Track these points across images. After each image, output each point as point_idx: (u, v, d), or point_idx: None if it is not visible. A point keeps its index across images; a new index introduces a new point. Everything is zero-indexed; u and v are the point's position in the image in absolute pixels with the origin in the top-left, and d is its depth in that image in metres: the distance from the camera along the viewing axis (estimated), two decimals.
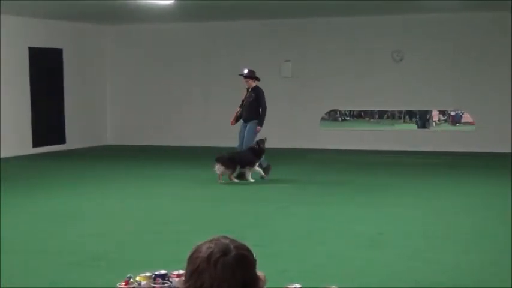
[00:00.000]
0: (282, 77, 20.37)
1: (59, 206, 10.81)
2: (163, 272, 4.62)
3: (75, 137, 20.45)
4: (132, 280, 4.60)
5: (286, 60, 20.27)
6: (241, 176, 13.62)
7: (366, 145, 19.74)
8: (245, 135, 14.14)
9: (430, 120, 20.62)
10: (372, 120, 20.69)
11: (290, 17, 19.75)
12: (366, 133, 20.20)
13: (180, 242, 7.56)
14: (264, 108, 14.13)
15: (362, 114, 20.82)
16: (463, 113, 19.93)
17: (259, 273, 2.56)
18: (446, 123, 21.71)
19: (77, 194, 12.05)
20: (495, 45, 18.83)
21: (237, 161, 13.59)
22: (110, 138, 22.05)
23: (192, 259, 2.45)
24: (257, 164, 13.68)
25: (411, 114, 20.41)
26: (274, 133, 20.38)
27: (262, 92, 14.21)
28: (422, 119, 20.35)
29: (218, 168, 13.30)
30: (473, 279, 6.60)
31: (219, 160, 13.38)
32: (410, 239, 8.39)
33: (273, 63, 20.22)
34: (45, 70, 19.46)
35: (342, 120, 21.01)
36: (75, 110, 20.49)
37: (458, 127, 20.22)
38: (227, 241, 2.45)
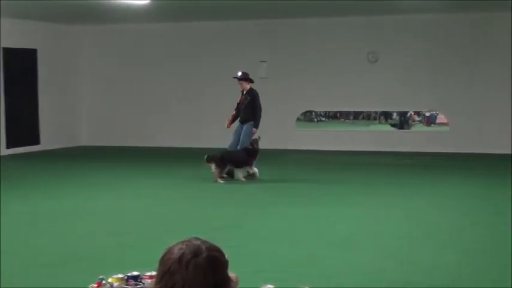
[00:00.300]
0: (258, 78, 20.35)
1: (34, 208, 10.72)
2: (135, 273, 4.61)
3: (50, 137, 20.30)
4: (104, 282, 4.58)
5: (262, 61, 20.27)
6: (231, 175, 13.80)
7: (341, 146, 19.79)
8: (241, 136, 14.26)
9: (410, 121, 20.72)
10: (347, 120, 20.74)
11: (266, 17, 19.77)
12: (341, 134, 20.25)
13: (155, 243, 7.52)
14: (259, 110, 14.27)
15: (337, 115, 20.87)
16: (437, 114, 20.04)
17: (231, 274, 2.56)
18: (421, 124, 21.83)
19: (52, 196, 11.96)
20: (469, 47, 18.96)
21: (227, 161, 13.71)
22: (85, 139, 21.92)
23: (163, 260, 2.45)
24: (254, 164, 13.85)
25: (386, 115, 20.49)
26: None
27: (257, 94, 14.38)
28: (401, 119, 20.44)
29: (212, 167, 13.45)
30: (448, 280, 6.63)
31: (212, 159, 13.51)
32: (385, 239, 8.42)
33: (249, 64, 20.20)
34: (20, 70, 19.30)
35: (317, 121, 21.04)
36: (49, 111, 20.34)
37: (433, 128, 20.32)
38: (198, 242, 2.45)
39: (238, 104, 14.61)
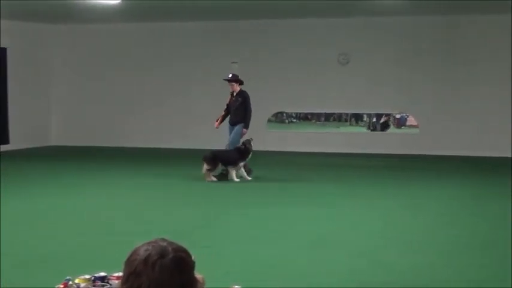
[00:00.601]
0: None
1: (2, 208, 10.59)
2: (102, 274, 4.57)
3: (19, 137, 20.11)
4: (71, 283, 4.53)
5: (233, 62, 20.26)
6: (224, 176, 13.96)
7: (312, 147, 19.84)
8: (231, 136, 14.48)
9: (389, 123, 20.81)
10: (318, 122, 20.81)
11: (238, 18, 19.77)
12: (312, 135, 20.31)
13: (127, 244, 7.45)
14: (249, 112, 14.48)
15: (309, 116, 20.92)
16: (407, 116, 20.17)
17: (198, 275, 2.55)
18: (392, 126, 21.94)
19: (18, 195, 11.82)
20: (439, 49, 19.11)
21: (218, 160, 13.86)
22: (55, 139, 21.76)
23: (129, 261, 2.43)
24: (242, 164, 14.01)
25: (357, 117, 20.59)
26: (221, 134, 20.38)
27: (248, 96, 14.57)
28: (377, 121, 20.55)
29: (204, 167, 13.66)
30: (422, 280, 6.64)
31: (204, 158, 13.75)
32: (358, 240, 8.43)
33: (220, 65, 20.20)
34: None
35: (288, 122, 21.09)
36: (19, 110, 20.15)
37: (403, 130, 20.45)
38: (165, 243, 2.44)
39: (227, 105, 14.72)
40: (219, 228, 9.26)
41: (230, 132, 14.69)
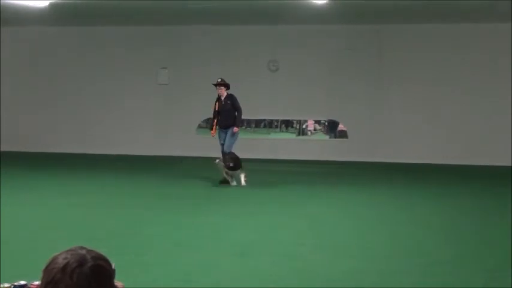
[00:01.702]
0: (158, 84, 20.26)
1: None
2: (22, 282, 4.44)
3: None
4: None
5: (163, 68, 20.17)
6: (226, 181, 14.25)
7: (243, 153, 19.83)
8: (227, 140, 14.68)
9: (306, 129, 20.97)
10: (248, 128, 20.87)
11: (166, 24, 19.68)
12: (242, 141, 20.32)
13: (48, 251, 7.32)
14: (241, 111, 14.82)
15: None
16: (337, 123, 20.41)
17: (118, 283, 2.51)
18: (322, 133, 22.16)
19: None
20: (367, 57, 19.40)
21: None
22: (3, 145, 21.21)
23: (47, 270, 2.39)
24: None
25: (287, 123, 20.73)
26: (149, 140, 20.27)
27: (236, 98, 14.93)
28: (299, 127, 20.72)
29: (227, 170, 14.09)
30: (344, 285, 6.70)
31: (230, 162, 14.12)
32: (285, 247, 8.44)
33: (148, 70, 20.10)
34: None
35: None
36: None
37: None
38: (84, 252, 2.41)
39: (216, 110, 14.93)
40: (141, 235, 9.16)
41: (221, 137, 14.86)
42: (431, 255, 8.00)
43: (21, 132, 21.00)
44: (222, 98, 14.89)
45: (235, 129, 14.75)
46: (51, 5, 15.69)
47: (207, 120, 20.68)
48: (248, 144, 20.25)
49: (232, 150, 14.42)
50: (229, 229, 9.61)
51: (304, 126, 23.24)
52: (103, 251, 2.45)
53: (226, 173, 14.22)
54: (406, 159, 18.87)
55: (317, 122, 22.50)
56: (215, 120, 14.94)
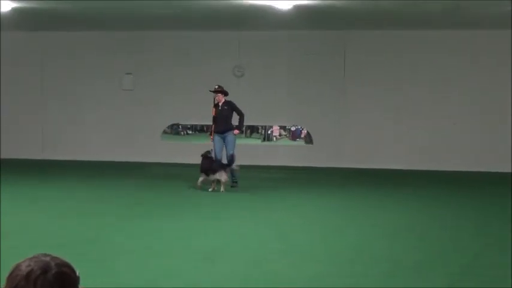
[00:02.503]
0: (122, 90, 20.17)
1: None
2: None
3: None
4: None
5: (128, 73, 20.08)
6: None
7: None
8: (229, 146, 14.81)
9: (271, 135, 21.01)
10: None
11: (132, 29, 19.60)
12: (208, 147, 20.30)
13: (12, 258, 7.24)
14: (243, 115, 15.07)
15: (204, 128, 20.95)
16: (302, 129, 20.47)
17: None
18: (287, 138, 22.25)
19: None
20: (331, 63, 19.50)
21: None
22: None
23: (11, 277, 2.35)
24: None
25: (253, 129, 20.76)
26: (114, 146, 20.15)
27: (235, 103, 15.11)
28: (264, 133, 20.78)
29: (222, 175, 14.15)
30: None
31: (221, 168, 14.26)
32: (248, 251, 8.47)
33: (112, 76, 20.01)
34: None
35: (184, 134, 21.07)
36: None
37: (298, 142, 20.75)
38: (48, 258, 2.37)
39: (214, 117, 15.05)
40: (108, 241, 9.11)
41: (218, 142, 14.96)
42: (396, 259, 8.07)
43: None
44: (220, 104, 15.03)
45: (236, 131, 15.08)
46: (14, 10, 15.53)
47: (171, 126, 20.63)
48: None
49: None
50: (196, 234, 9.60)
51: (269, 132, 23.28)
52: (69, 258, 2.43)
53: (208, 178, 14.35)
54: (371, 164, 18.99)
55: (282, 127, 22.60)
56: (213, 126, 15.16)
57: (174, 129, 20.78)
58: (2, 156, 20.15)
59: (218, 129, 14.99)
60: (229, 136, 14.94)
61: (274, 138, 22.76)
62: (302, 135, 20.89)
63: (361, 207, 12.38)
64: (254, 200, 13.15)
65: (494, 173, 18.10)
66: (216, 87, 15.21)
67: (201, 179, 14.36)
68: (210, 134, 15.40)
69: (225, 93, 15.12)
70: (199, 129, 20.95)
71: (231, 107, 15.09)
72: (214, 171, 14.17)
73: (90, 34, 20.14)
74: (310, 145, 19.99)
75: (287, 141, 21.33)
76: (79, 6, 15.72)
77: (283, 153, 20.22)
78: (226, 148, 14.93)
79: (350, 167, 18.92)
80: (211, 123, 15.36)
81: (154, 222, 10.54)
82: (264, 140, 20.68)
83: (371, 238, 9.50)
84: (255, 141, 20.48)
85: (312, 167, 19.13)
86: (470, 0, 14.44)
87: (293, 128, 22.16)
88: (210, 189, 14.14)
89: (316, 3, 14.73)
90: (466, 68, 18.99)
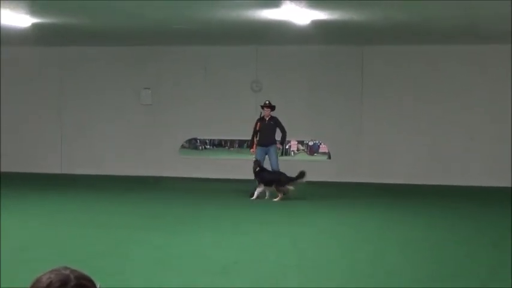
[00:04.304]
0: (141, 104, 20.28)
1: None
2: None
3: None
4: None
5: (146, 88, 20.18)
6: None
7: (225, 174, 19.88)
8: (274, 159, 15.95)
9: (289, 150, 21.00)
10: (232, 148, 20.91)
11: (149, 44, 19.72)
12: (226, 162, 20.36)
13: (33, 271, 7.30)
14: (285, 132, 16.24)
15: (223, 142, 21.00)
16: (320, 143, 20.46)
17: None
18: (305, 153, 22.22)
19: None
20: (349, 78, 19.50)
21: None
22: None
23: None
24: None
25: None
26: (133, 160, 20.24)
27: (279, 120, 16.21)
28: (282, 148, 20.78)
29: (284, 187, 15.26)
30: None
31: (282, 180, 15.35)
32: (264, 267, 8.47)
33: (131, 91, 20.12)
34: None
35: (202, 148, 21.15)
36: None
37: (315, 157, 20.73)
38: (67, 272, 2.41)
39: (257, 130, 16.05)
40: (124, 255, 9.14)
41: (260, 154, 15.89)
42: (412, 274, 8.05)
43: (3, 152, 20.91)
44: (266, 119, 16.01)
45: (279, 146, 16.25)
46: (34, 25, 15.68)
47: (190, 141, 20.70)
48: (231, 165, 20.27)
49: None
50: (212, 248, 9.62)
51: (287, 147, 23.30)
52: (88, 271, 2.48)
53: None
54: (389, 179, 18.95)
55: (300, 142, 22.59)
56: (255, 139, 15.99)
57: (192, 144, 20.83)
58: (20, 170, 20.30)
59: (262, 142, 15.96)
60: (272, 149, 15.95)
61: (292, 152, 22.73)
62: (320, 150, 20.90)
63: (378, 222, 12.36)
64: (267, 214, 13.16)
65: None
66: (267, 102, 16.17)
67: (260, 189, 15.26)
68: (252, 147, 16.20)
69: (273, 109, 16.07)
70: (217, 144, 20.99)
71: (276, 122, 16.08)
72: (282, 183, 15.17)
73: (108, 49, 20.28)
74: (328, 159, 19.97)
75: (305, 156, 21.29)
76: (98, 22, 15.85)
77: (300, 168, 20.19)
78: (270, 160, 15.86)
79: (367, 182, 18.89)
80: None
81: (171, 236, 10.57)
82: (282, 154, 20.68)
83: (387, 253, 9.48)
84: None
85: (329, 181, 19.10)
86: (484, 17, 14.44)
87: (311, 143, 22.14)
88: (275, 199, 15.04)
89: (333, 18, 14.77)
90: (480, 82, 18.93)
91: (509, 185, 18.14)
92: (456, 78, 19.04)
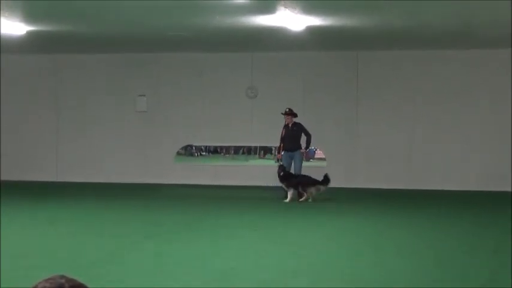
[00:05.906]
0: (136, 111, 20.26)
1: None
2: None
3: None
4: None
5: (141, 95, 20.17)
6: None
7: (221, 180, 19.86)
8: (297, 163, 16.63)
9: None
10: (227, 155, 20.88)
11: (145, 51, 19.72)
12: (221, 168, 20.34)
13: (29, 279, 7.27)
14: (310, 136, 16.79)
15: (218, 149, 20.98)
16: (316, 149, 20.44)
17: None
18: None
19: None
20: (344, 84, 19.52)
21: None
22: None
23: None
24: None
25: (266, 150, 20.75)
26: (127, 168, 20.21)
27: (303, 125, 16.91)
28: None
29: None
30: None
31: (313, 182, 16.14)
32: (262, 273, 8.45)
33: (126, 98, 20.11)
34: None
35: (198, 155, 21.10)
36: None
37: (311, 163, 20.68)
38: (63, 280, 2.41)
39: (282, 137, 16.79)
40: (121, 262, 9.10)
41: (286, 159, 16.63)
42: (413, 278, 8.03)
43: (3, 160, 20.87)
44: (290, 125, 16.70)
45: (303, 151, 16.83)
46: (28, 33, 15.67)
47: (185, 147, 20.67)
48: (227, 171, 20.25)
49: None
50: (210, 255, 9.58)
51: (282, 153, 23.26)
52: (86, 279, 2.46)
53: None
54: (386, 184, 18.95)
55: None
56: (281, 145, 16.73)
57: (188, 151, 20.81)
58: (17, 179, 20.26)
59: (287, 147, 16.69)
60: (297, 154, 16.62)
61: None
62: (316, 156, 20.87)
63: (377, 227, 12.34)
64: (265, 220, 13.14)
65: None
66: (287, 110, 16.82)
67: (291, 192, 15.92)
68: (278, 152, 17.03)
69: (295, 115, 16.72)
70: (213, 151, 20.97)
71: (299, 128, 16.75)
72: (309, 186, 15.93)
73: (103, 56, 20.27)
74: (324, 165, 19.96)
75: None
76: (93, 29, 15.85)
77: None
78: (294, 165, 16.53)
79: (365, 187, 18.90)
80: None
81: (167, 243, 10.54)
82: (277, 161, 20.65)
83: (388, 257, 9.45)
84: (268, 162, 20.45)
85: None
86: (480, 22, 14.47)
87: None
88: (301, 199, 15.87)
89: (328, 24, 14.79)
90: (477, 86, 18.96)
91: (509, 190, 18.10)
92: (451, 82, 19.06)
